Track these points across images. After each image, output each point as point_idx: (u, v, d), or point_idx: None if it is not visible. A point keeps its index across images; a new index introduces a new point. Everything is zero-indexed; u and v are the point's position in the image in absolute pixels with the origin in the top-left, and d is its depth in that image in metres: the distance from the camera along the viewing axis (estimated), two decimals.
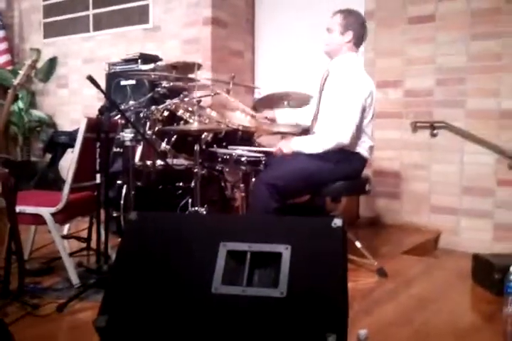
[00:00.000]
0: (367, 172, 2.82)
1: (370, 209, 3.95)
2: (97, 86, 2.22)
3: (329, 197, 2.71)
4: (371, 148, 2.71)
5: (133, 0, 4.80)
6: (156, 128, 2.77)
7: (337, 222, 1.55)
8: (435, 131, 3.66)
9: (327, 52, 2.73)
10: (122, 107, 2.72)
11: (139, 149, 2.89)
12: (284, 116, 3.02)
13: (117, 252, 1.63)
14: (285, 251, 1.51)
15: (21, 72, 2.41)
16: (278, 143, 2.68)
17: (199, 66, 3.01)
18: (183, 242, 1.60)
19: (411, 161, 3.77)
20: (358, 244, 2.70)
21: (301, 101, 3.15)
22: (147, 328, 1.46)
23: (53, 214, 2.35)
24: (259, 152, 2.73)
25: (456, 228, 3.57)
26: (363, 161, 2.67)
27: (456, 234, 3.57)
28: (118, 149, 2.87)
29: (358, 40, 2.68)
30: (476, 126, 3.50)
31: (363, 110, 2.56)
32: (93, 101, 4.79)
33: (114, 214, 2.69)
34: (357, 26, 2.66)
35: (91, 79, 2.18)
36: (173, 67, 2.95)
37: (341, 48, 2.67)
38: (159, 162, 2.85)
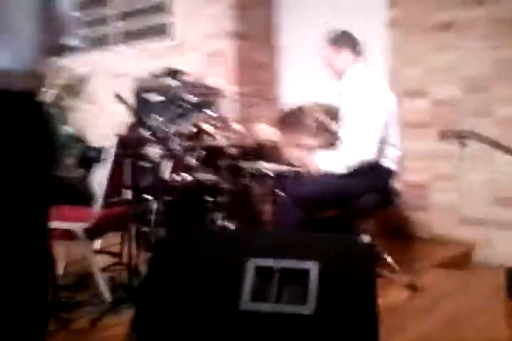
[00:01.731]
0: (395, 184, 2.78)
1: (398, 222, 3.90)
2: (126, 103, 2.26)
3: (358, 211, 2.68)
4: (398, 158, 2.68)
5: (156, 14, 4.89)
6: (184, 144, 2.80)
7: (365, 239, 1.55)
8: (464, 141, 3.61)
9: (336, 77, 2.76)
10: (151, 123, 2.76)
11: (168, 164, 2.93)
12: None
13: (147, 269, 1.66)
14: (313, 267, 1.51)
15: (53, 91, 2.47)
16: (304, 161, 2.67)
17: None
18: (211, 258, 1.62)
19: (439, 172, 3.72)
20: (387, 259, 2.66)
21: (328, 113, 3.14)
22: None
23: (85, 230, 2.39)
24: (286, 166, 2.73)
25: (490, 240, 3.49)
26: (389, 173, 2.65)
27: (489, 247, 3.49)
28: (147, 164, 2.91)
29: (355, 50, 2.71)
30: (505, 135, 3.43)
31: (385, 123, 2.54)
32: (122, 117, 4.86)
33: (145, 230, 2.72)
34: (344, 40, 2.70)
35: (119, 97, 2.23)
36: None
37: (346, 65, 2.69)
38: (188, 177, 2.88)
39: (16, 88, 1.34)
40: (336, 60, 2.69)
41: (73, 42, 1.58)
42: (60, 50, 1.60)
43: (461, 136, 3.62)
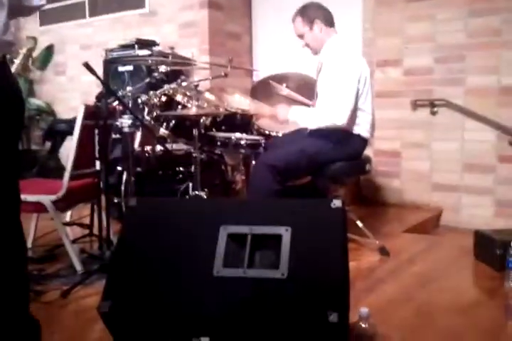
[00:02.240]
0: (367, 152, 2.80)
1: (371, 189, 3.96)
2: (94, 73, 2.20)
3: (330, 178, 2.71)
4: (372, 127, 2.69)
5: None
6: (155, 114, 2.76)
7: (336, 203, 1.56)
8: (435, 109, 3.65)
9: (315, 52, 2.72)
10: (120, 93, 2.70)
11: (138, 135, 2.89)
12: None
13: (118, 238, 1.65)
14: (285, 232, 1.52)
15: (17, 61, 2.40)
16: (276, 108, 2.67)
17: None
18: (183, 227, 1.62)
19: (411, 140, 3.76)
20: (359, 224, 2.71)
21: (300, 82, 3.13)
22: (150, 312, 1.48)
23: (54, 202, 2.35)
24: (258, 134, 2.73)
25: (458, 205, 3.58)
26: (363, 142, 2.66)
27: (457, 211, 3.58)
28: (117, 135, 2.87)
29: (328, 22, 2.67)
30: (476, 104, 3.48)
31: (357, 91, 2.55)
32: (92, 88, 4.76)
33: (115, 200, 2.71)
34: (316, 13, 2.65)
35: (87, 66, 2.17)
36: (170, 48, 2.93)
37: (322, 39, 2.66)
38: (159, 147, 2.85)
39: None
40: (310, 36, 2.64)
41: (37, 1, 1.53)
42: (24, 9, 1.54)
43: (432, 105, 3.67)
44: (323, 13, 2.67)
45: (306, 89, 3.02)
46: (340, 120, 2.48)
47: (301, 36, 2.70)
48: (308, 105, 2.94)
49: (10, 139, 1.48)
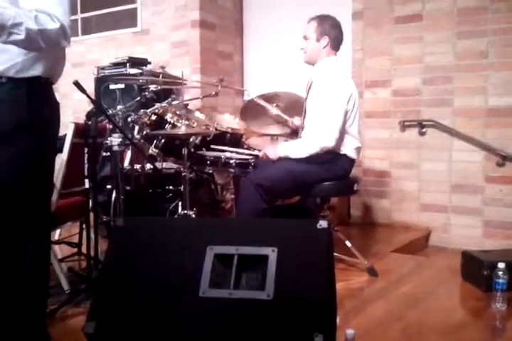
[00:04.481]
0: (356, 171, 2.83)
1: (360, 209, 3.97)
2: (84, 92, 2.22)
3: (318, 197, 2.72)
4: (358, 149, 2.72)
5: (121, 3, 4.81)
6: (144, 133, 2.77)
7: (322, 224, 1.56)
8: (423, 130, 3.69)
9: (307, 61, 2.76)
10: (110, 112, 2.71)
11: (128, 153, 2.89)
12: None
13: (105, 258, 1.64)
14: (272, 253, 1.52)
15: None
16: (264, 149, 2.70)
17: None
18: (170, 246, 1.61)
19: (400, 160, 3.79)
20: (348, 244, 2.71)
21: (291, 101, 3.16)
22: (135, 333, 1.46)
23: None
24: (247, 155, 2.74)
25: (446, 225, 3.60)
26: (350, 161, 2.69)
27: (446, 232, 3.60)
28: (107, 154, 2.87)
29: (335, 43, 2.70)
30: (463, 124, 3.52)
31: (345, 113, 2.58)
32: (83, 106, 4.78)
33: (104, 219, 2.70)
34: (331, 30, 2.68)
35: (77, 84, 2.18)
36: (162, 68, 2.95)
37: (319, 54, 2.69)
38: (148, 166, 2.86)
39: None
40: (312, 44, 2.68)
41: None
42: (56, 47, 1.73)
43: (421, 125, 3.71)
44: (336, 35, 2.70)
45: (296, 107, 3.05)
46: (328, 142, 2.52)
47: (304, 38, 2.72)
48: (296, 128, 2.97)
49: (50, 157, 1.66)
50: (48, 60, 1.67)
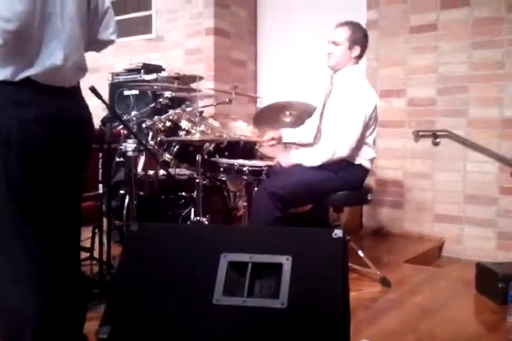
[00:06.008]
0: (369, 181, 2.81)
1: (373, 219, 3.95)
2: (100, 97, 2.23)
3: (331, 207, 2.70)
4: (372, 160, 2.71)
5: (136, 10, 4.86)
6: (159, 139, 2.78)
7: (337, 233, 1.55)
8: (437, 140, 3.67)
9: (332, 66, 2.70)
10: (125, 117, 2.73)
11: (142, 159, 2.90)
12: (288, 134, 2.99)
13: (118, 263, 1.64)
14: (286, 261, 1.51)
15: None
16: (277, 156, 2.69)
17: (200, 78, 3.03)
18: (184, 253, 1.61)
19: (414, 170, 3.77)
20: (361, 254, 2.69)
21: (303, 110, 3.16)
22: (149, 339, 1.46)
23: None
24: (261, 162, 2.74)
25: (460, 236, 3.56)
26: (364, 171, 2.67)
27: (459, 243, 3.56)
28: (121, 159, 2.88)
29: (363, 53, 2.71)
30: (478, 135, 3.50)
31: (367, 124, 2.57)
32: (98, 111, 4.80)
33: (117, 224, 2.70)
34: (363, 40, 2.67)
35: (93, 90, 2.20)
36: (175, 78, 2.96)
37: (348, 62, 2.66)
38: (162, 172, 2.86)
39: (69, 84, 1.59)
40: (344, 52, 2.65)
41: (109, 36, 1.65)
42: (98, 43, 1.79)
43: (435, 135, 3.69)
44: (365, 46, 2.69)
45: (308, 118, 3.04)
46: (342, 152, 2.51)
47: (334, 43, 2.66)
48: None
49: (78, 163, 1.63)
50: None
